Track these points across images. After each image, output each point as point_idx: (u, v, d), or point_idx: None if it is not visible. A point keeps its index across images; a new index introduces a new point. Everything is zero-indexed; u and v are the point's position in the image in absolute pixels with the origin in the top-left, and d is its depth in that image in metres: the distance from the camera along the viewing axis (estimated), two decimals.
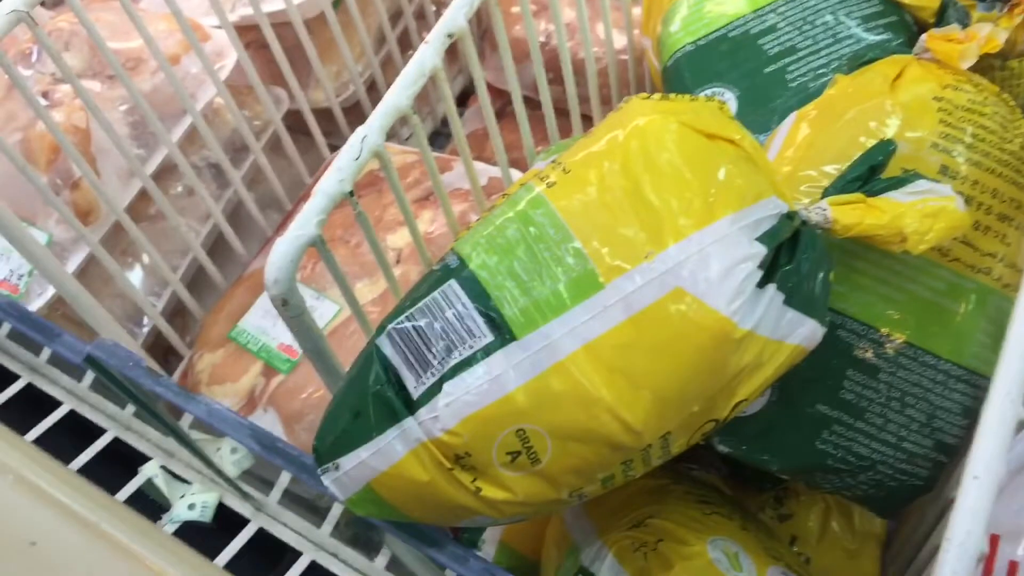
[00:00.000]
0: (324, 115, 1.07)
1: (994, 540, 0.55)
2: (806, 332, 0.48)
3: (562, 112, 0.84)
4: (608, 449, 0.45)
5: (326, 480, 0.50)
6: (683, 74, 0.73)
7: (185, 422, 0.81)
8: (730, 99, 0.69)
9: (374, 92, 1.11)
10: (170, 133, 0.92)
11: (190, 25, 0.86)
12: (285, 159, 1.03)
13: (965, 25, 0.58)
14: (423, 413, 0.45)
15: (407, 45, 1.17)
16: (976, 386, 0.56)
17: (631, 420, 0.44)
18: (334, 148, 1.07)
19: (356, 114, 1.08)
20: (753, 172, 0.47)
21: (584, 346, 0.44)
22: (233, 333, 0.87)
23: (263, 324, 0.86)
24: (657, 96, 0.50)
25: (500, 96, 1.06)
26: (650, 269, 0.43)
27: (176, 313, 0.99)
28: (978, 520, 0.42)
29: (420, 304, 0.46)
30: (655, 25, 0.78)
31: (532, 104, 0.85)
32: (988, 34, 0.57)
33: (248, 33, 0.99)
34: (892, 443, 0.56)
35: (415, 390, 0.45)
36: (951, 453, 0.57)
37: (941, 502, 0.58)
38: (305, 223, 0.52)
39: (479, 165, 0.92)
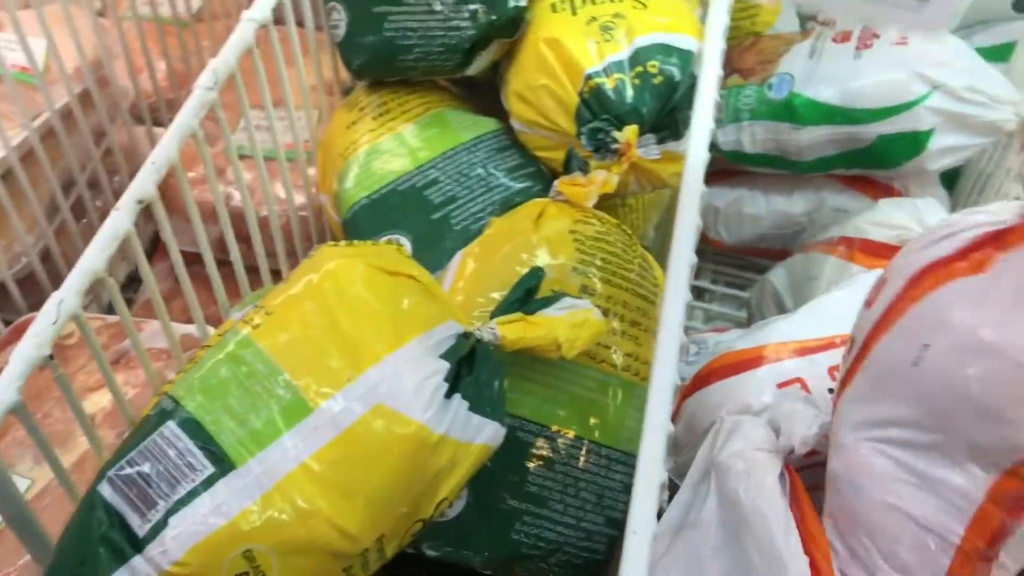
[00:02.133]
0: None
1: None
2: (490, 432, 0.56)
3: (250, 268, 0.89)
4: (329, 558, 0.49)
5: None
6: (361, 225, 0.81)
7: None
8: (406, 244, 0.78)
9: (48, 262, 1.09)
10: None
11: None
12: None
13: (586, 172, 0.71)
14: (151, 549, 0.47)
15: (81, 213, 1.16)
16: (631, 465, 0.67)
17: (348, 527, 0.49)
18: (7, 323, 1.03)
19: (31, 285, 1.05)
20: (432, 301, 0.55)
21: (300, 465, 0.48)
22: None
23: None
24: (343, 243, 0.57)
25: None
26: (352, 391, 0.50)
27: None
28: (641, 569, 0.50)
29: (140, 447, 0.49)
30: (331, 183, 0.87)
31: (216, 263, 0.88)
32: (604, 179, 0.70)
33: None
34: (573, 525, 0.65)
35: (140, 528, 0.47)
36: (619, 526, 0.66)
37: (614, 569, 0.67)
38: (4, 390, 0.53)
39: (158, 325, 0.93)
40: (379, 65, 0.85)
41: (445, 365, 0.53)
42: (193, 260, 0.79)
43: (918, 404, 0.56)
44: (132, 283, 1.20)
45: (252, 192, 1.04)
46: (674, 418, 0.83)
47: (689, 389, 0.82)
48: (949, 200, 1.12)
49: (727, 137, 1.10)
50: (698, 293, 1.27)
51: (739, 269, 1.28)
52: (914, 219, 0.95)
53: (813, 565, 0.60)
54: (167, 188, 1.07)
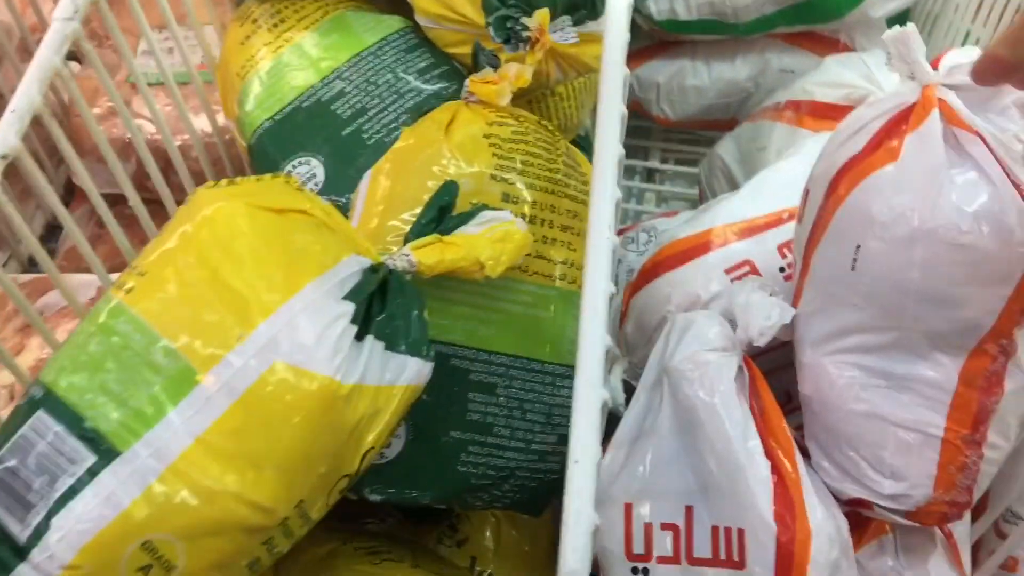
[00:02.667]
0: None
1: (628, 508, 0.61)
2: (413, 370, 0.51)
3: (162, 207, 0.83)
4: (244, 535, 0.45)
5: None
6: (267, 149, 0.74)
7: None
8: (317, 166, 0.72)
9: None
10: None
11: None
12: None
13: (496, 67, 0.65)
14: (36, 555, 0.43)
15: None
16: None
17: (260, 500, 0.44)
18: None
19: None
20: (330, 236, 0.50)
21: (196, 441, 0.44)
22: None
23: None
24: (224, 182, 0.51)
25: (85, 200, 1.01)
26: (244, 350, 0.45)
27: None
28: (585, 498, 0.47)
29: (9, 444, 0.44)
30: (233, 106, 0.80)
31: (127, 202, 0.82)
32: (517, 72, 0.64)
33: None
34: (523, 448, 0.62)
35: (21, 534, 0.43)
36: None
37: None
38: None
39: (86, 277, 0.88)
40: None
41: (350, 306, 0.48)
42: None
43: (866, 306, 0.54)
44: (52, 233, 1.13)
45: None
46: (623, 316, 0.79)
47: (636, 284, 0.78)
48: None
49: (660, 6, 1.03)
50: (648, 174, 1.22)
51: (689, 144, 1.22)
52: (862, 75, 0.90)
53: (775, 468, 0.57)
54: (73, 127, 1.00)
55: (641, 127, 1.20)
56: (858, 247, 0.53)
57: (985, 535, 0.74)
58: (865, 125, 0.55)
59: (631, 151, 1.22)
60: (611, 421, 0.61)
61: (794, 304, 0.60)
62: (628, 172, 1.21)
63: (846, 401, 0.56)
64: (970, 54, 0.54)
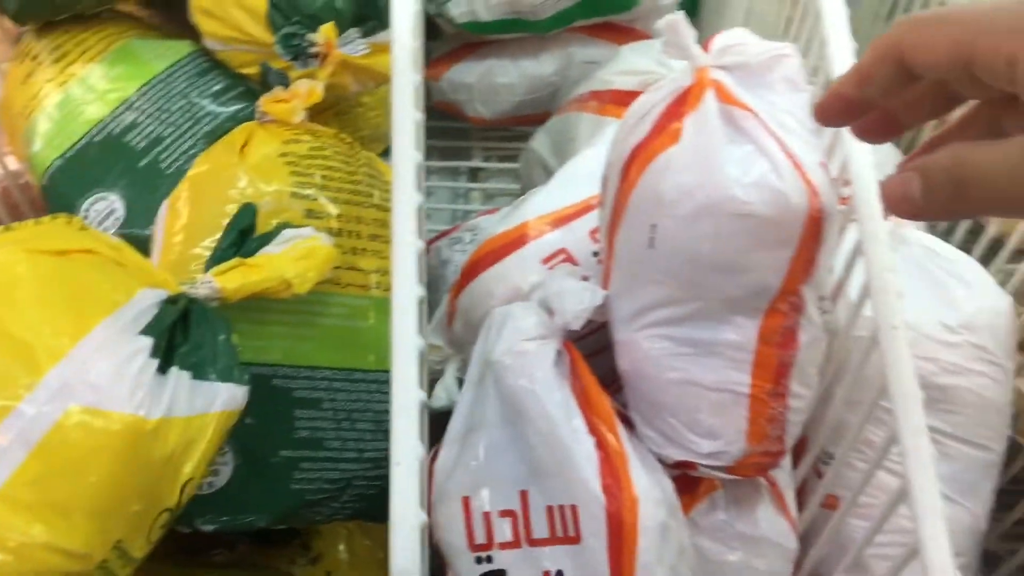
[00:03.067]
0: None
1: (465, 501, 0.63)
2: (226, 397, 0.51)
3: None
4: None
5: None
6: (60, 188, 0.72)
7: None
8: (116, 201, 0.70)
9: None
10: None
11: None
12: None
13: (287, 85, 0.65)
14: None
15: None
16: None
17: (73, 547, 0.43)
18: None
19: None
20: (119, 273, 0.49)
21: None
22: None
23: None
24: (0, 228, 0.50)
25: None
26: (35, 399, 0.44)
27: None
28: (409, 499, 0.48)
29: None
30: (20, 147, 0.77)
31: None
32: (308, 88, 0.64)
33: None
34: (355, 458, 0.62)
35: None
36: None
37: None
38: None
39: None
40: (39, 3, 0.74)
41: (147, 340, 0.47)
42: None
43: (667, 280, 0.56)
44: None
45: None
46: (451, 316, 0.81)
47: (460, 284, 0.79)
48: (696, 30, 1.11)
49: (460, 8, 1.05)
50: (473, 173, 1.24)
51: (509, 141, 1.24)
52: (656, 61, 0.94)
53: (599, 443, 0.59)
54: None
55: (461, 128, 1.22)
56: (653, 226, 0.56)
57: (808, 478, 0.79)
58: (649, 111, 0.57)
59: (453, 152, 1.23)
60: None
61: (604, 287, 0.63)
62: (453, 173, 1.23)
63: (660, 371, 0.59)
64: (738, 35, 0.57)
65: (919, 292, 0.75)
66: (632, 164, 0.58)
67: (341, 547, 0.78)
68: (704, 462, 0.60)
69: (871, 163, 0.61)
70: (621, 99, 0.96)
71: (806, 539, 0.75)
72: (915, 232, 0.81)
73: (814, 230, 0.55)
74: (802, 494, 0.80)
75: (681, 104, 0.56)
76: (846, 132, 0.58)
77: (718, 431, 0.59)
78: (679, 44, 0.56)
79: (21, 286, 0.46)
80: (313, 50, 0.65)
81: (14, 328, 0.45)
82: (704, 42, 0.58)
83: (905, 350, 0.56)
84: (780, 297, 0.57)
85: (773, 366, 0.59)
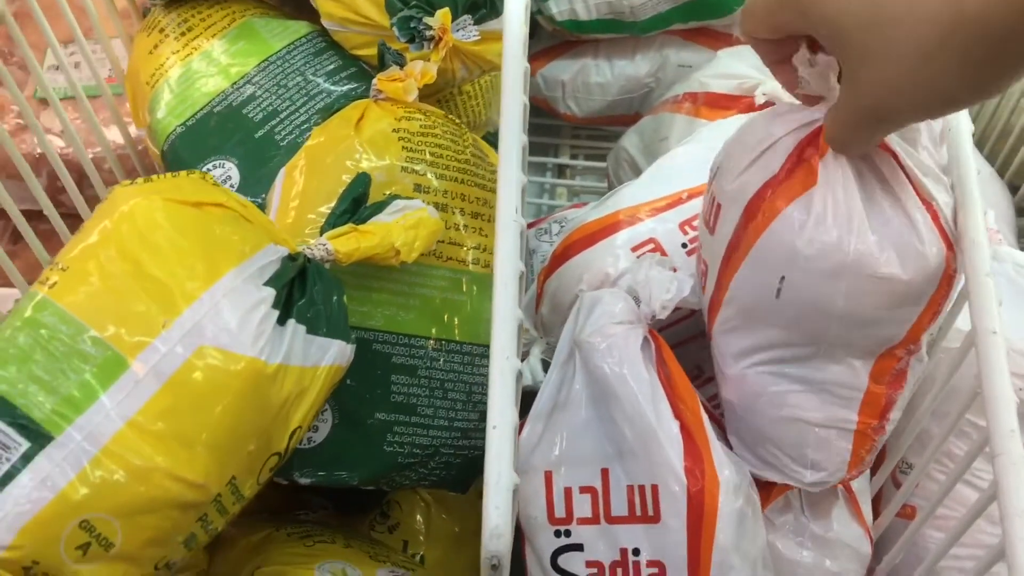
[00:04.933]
0: None
1: (548, 476, 0.65)
2: (336, 353, 0.53)
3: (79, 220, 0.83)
4: (179, 512, 0.47)
5: None
6: (181, 155, 0.76)
7: None
8: (232, 168, 0.74)
9: None
10: None
11: None
12: None
13: (402, 65, 0.68)
14: None
15: None
16: None
17: (192, 477, 0.46)
18: None
19: None
20: (247, 227, 0.52)
21: (127, 423, 0.45)
22: None
23: None
24: (140, 180, 0.53)
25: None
26: (170, 336, 0.47)
27: None
28: (505, 460, 0.50)
29: None
30: (143, 115, 0.81)
31: (41, 218, 0.83)
32: (422, 69, 0.67)
33: None
34: (446, 426, 0.64)
35: None
36: None
37: None
38: None
39: (5, 291, 0.88)
40: None
41: (271, 292, 0.50)
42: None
43: (789, 328, 0.57)
44: None
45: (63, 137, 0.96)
46: (539, 300, 0.82)
47: (549, 268, 0.81)
48: None
49: (560, 7, 1.07)
50: (559, 170, 1.26)
51: (597, 140, 1.27)
52: (753, 66, 0.95)
53: (683, 427, 0.61)
54: None
55: (551, 125, 1.24)
56: (782, 278, 0.55)
57: (885, 486, 0.79)
58: (776, 142, 0.55)
59: (542, 149, 1.25)
60: (533, 398, 0.64)
61: (710, 316, 0.62)
62: (539, 169, 1.25)
63: (770, 407, 0.60)
64: None
65: (1010, 307, 0.74)
66: (761, 205, 0.55)
67: (418, 518, 0.80)
68: (806, 489, 0.63)
69: (972, 170, 0.61)
70: (716, 101, 0.97)
71: (880, 546, 0.75)
72: (1008, 249, 0.81)
73: (947, 285, 0.56)
74: (877, 502, 0.80)
75: (813, 142, 0.53)
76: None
77: (822, 464, 0.61)
78: (823, 82, 0.51)
79: (160, 231, 0.49)
80: (429, 33, 0.68)
81: (153, 269, 0.48)
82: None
83: (1002, 355, 0.56)
84: (901, 345, 0.57)
85: (881, 404, 0.59)
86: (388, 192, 0.62)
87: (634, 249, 0.77)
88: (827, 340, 0.56)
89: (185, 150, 0.76)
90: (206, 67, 0.78)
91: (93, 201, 0.87)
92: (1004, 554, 0.51)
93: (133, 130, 0.89)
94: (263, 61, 0.77)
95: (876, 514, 0.76)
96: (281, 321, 0.50)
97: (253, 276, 0.50)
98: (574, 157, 1.26)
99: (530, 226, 1.00)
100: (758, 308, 0.57)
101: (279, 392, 0.49)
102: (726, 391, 0.63)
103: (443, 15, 0.68)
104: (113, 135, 0.93)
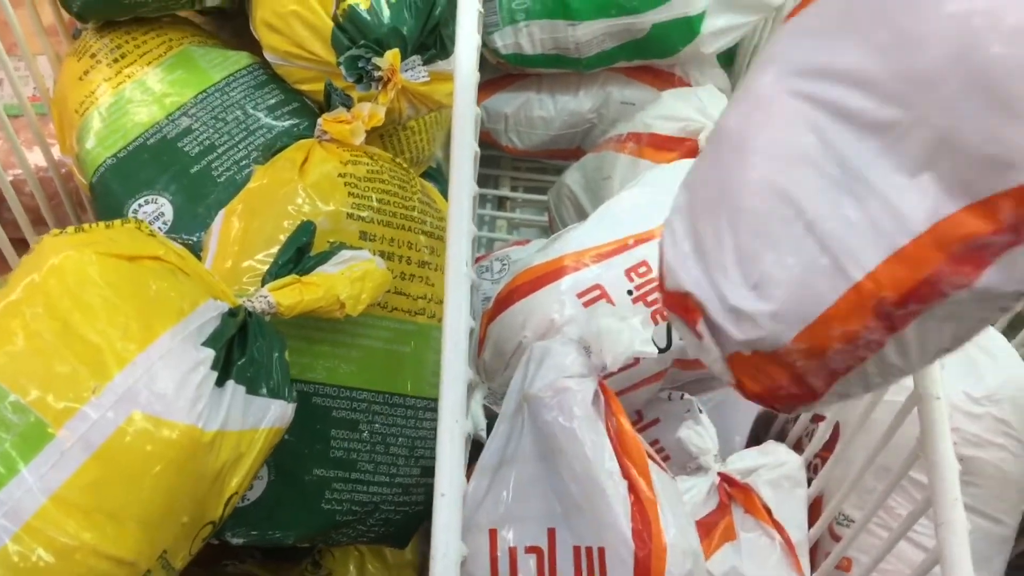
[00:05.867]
0: None
1: (492, 534, 0.63)
2: (276, 413, 0.51)
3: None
4: None
5: None
6: (111, 188, 0.72)
7: None
8: (165, 204, 0.71)
9: None
10: None
11: None
12: None
13: (349, 107, 0.66)
14: None
15: None
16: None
17: (121, 554, 0.43)
18: None
19: None
20: (185, 282, 0.49)
21: (51, 497, 0.42)
22: None
23: None
24: (71, 229, 0.50)
25: None
26: (100, 403, 0.44)
27: None
28: (453, 532, 0.48)
29: None
30: (71, 143, 0.77)
31: None
32: (370, 111, 0.65)
33: None
34: (387, 482, 0.62)
35: None
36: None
37: None
38: None
39: None
40: (104, 3, 0.75)
41: (209, 353, 0.47)
42: None
43: (891, 55, 0.35)
44: None
45: None
46: (481, 344, 0.81)
47: (492, 312, 0.79)
48: (729, 81, 1.13)
49: (505, 40, 1.06)
50: (499, 202, 1.25)
51: (538, 173, 1.26)
52: (696, 110, 0.95)
53: (632, 487, 0.60)
54: None
55: (492, 156, 1.23)
56: None
57: (821, 539, 0.79)
58: None
59: (482, 180, 1.24)
60: (473, 449, 0.62)
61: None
62: (480, 201, 1.23)
63: (774, 163, 0.38)
64: None
65: (947, 360, 0.75)
66: None
67: (352, 567, 0.78)
68: (717, 318, 0.39)
69: None
70: (659, 143, 0.97)
71: None
72: None
73: None
74: (814, 555, 0.80)
75: None
76: None
77: (772, 291, 0.37)
78: None
79: (92, 288, 0.46)
80: (377, 74, 0.66)
81: (83, 329, 0.45)
82: None
83: (945, 421, 0.56)
84: (1011, 195, 0.33)
85: (918, 277, 0.35)
86: (333, 240, 0.60)
87: (579, 295, 0.76)
88: (928, 109, 0.34)
89: (116, 183, 0.72)
90: (140, 96, 0.74)
91: (11, 226, 0.83)
92: None
93: (56, 152, 0.84)
94: (201, 92, 0.74)
95: (814, 567, 0.77)
96: (220, 383, 0.48)
97: (191, 336, 0.47)
98: (514, 189, 1.25)
99: None
100: (865, 5, 0.36)
101: (216, 460, 0.47)
102: (732, 113, 0.41)
103: (392, 56, 0.66)
104: (35, 157, 0.89)
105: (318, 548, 0.77)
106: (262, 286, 0.54)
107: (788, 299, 0.37)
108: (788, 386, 0.39)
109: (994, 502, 0.81)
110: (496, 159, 1.24)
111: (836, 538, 0.77)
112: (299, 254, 0.56)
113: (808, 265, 0.37)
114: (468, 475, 0.63)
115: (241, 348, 0.50)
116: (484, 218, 1.22)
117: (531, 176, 1.25)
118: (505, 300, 0.80)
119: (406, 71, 0.68)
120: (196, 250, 0.65)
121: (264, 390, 0.50)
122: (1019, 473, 0.83)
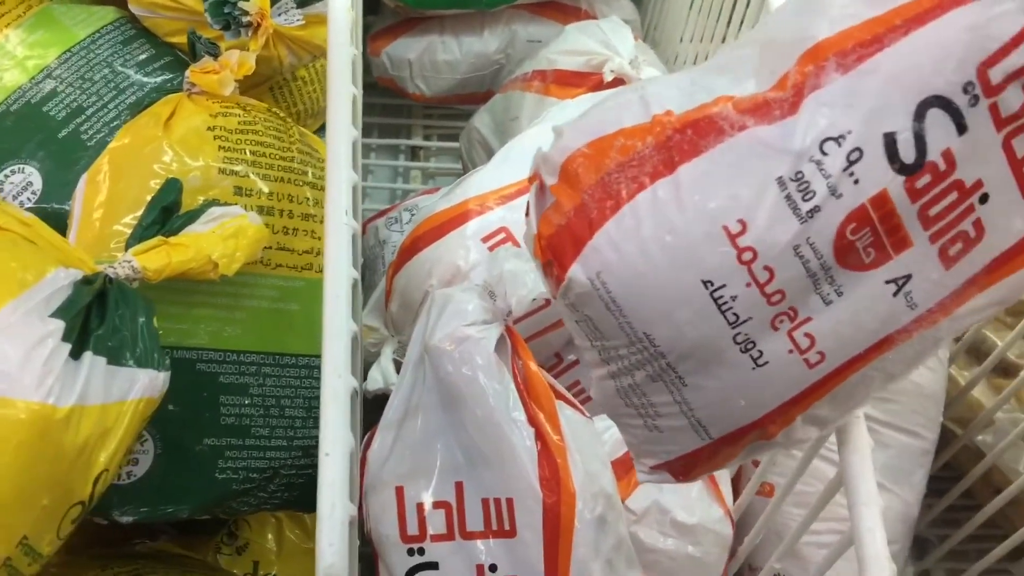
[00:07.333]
0: None
1: (399, 491, 0.61)
2: (145, 383, 0.48)
3: None
4: None
5: None
6: None
7: None
8: (33, 173, 0.66)
9: None
10: None
11: None
12: None
13: (216, 56, 0.62)
14: None
15: None
16: None
17: None
18: None
19: None
20: (29, 251, 0.46)
21: None
22: None
23: None
24: None
25: None
26: None
27: None
28: (338, 490, 0.46)
29: None
30: None
31: None
32: (239, 59, 0.61)
33: None
34: (284, 447, 0.60)
35: None
36: None
37: None
38: None
39: None
40: None
41: (58, 324, 0.44)
42: None
43: None
44: None
45: None
46: (388, 297, 0.78)
47: (398, 263, 0.77)
48: (637, 13, 1.10)
49: None
50: (413, 152, 1.21)
51: (450, 119, 1.22)
52: (600, 42, 0.92)
53: (539, 434, 0.58)
54: None
55: (401, 105, 1.19)
56: None
57: (743, 466, 0.79)
58: None
59: (393, 130, 1.21)
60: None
61: None
62: (392, 151, 1.20)
63: None
64: None
65: None
66: None
67: (269, 536, 0.76)
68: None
69: None
70: (565, 79, 0.94)
71: (741, 527, 0.75)
72: None
73: None
74: (737, 481, 0.80)
75: None
76: None
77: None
78: None
79: None
80: (245, 19, 0.62)
81: None
82: None
83: None
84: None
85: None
86: (204, 198, 0.57)
87: (485, 239, 0.74)
88: None
89: None
90: (0, 61, 0.69)
91: None
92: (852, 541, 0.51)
93: None
94: (65, 52, 0.69)
95: (735, 495, 0.76)
96: (75, 355, 0.45)
97: (36, 308, 0.44)
98: (427, 138, 1.22)
99: (380, 215, 0.96)
100: None
101: (76, 436, 0.44)
102: None
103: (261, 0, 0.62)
104: None
105: (233, 519, 0.74)
106: (126, 250, 0.51)
107: (591, 118, 0.43)
108: (573, 220, 0.43)
109: (912, 416, 0.81)
110: (407, 108, 1.21)
111: (756, 464, 0.77)
112: (165, 214, 0.53)
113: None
114: (375, 430, 0.61)
115: (100, 317, 0.47)
116: (398, 170, 1.19)
117: (444, 123, 1.22)
118: (409, 249, 0.78)
119: (278, 15, 0.65)
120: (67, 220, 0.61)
121: (130, 360, 0.47)
122: (936, 387, 0.83)
